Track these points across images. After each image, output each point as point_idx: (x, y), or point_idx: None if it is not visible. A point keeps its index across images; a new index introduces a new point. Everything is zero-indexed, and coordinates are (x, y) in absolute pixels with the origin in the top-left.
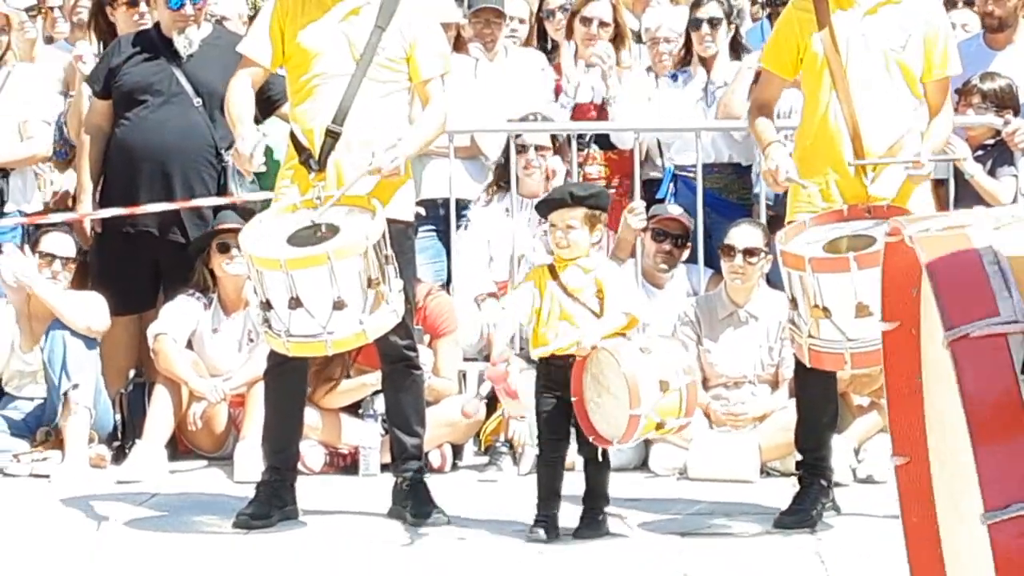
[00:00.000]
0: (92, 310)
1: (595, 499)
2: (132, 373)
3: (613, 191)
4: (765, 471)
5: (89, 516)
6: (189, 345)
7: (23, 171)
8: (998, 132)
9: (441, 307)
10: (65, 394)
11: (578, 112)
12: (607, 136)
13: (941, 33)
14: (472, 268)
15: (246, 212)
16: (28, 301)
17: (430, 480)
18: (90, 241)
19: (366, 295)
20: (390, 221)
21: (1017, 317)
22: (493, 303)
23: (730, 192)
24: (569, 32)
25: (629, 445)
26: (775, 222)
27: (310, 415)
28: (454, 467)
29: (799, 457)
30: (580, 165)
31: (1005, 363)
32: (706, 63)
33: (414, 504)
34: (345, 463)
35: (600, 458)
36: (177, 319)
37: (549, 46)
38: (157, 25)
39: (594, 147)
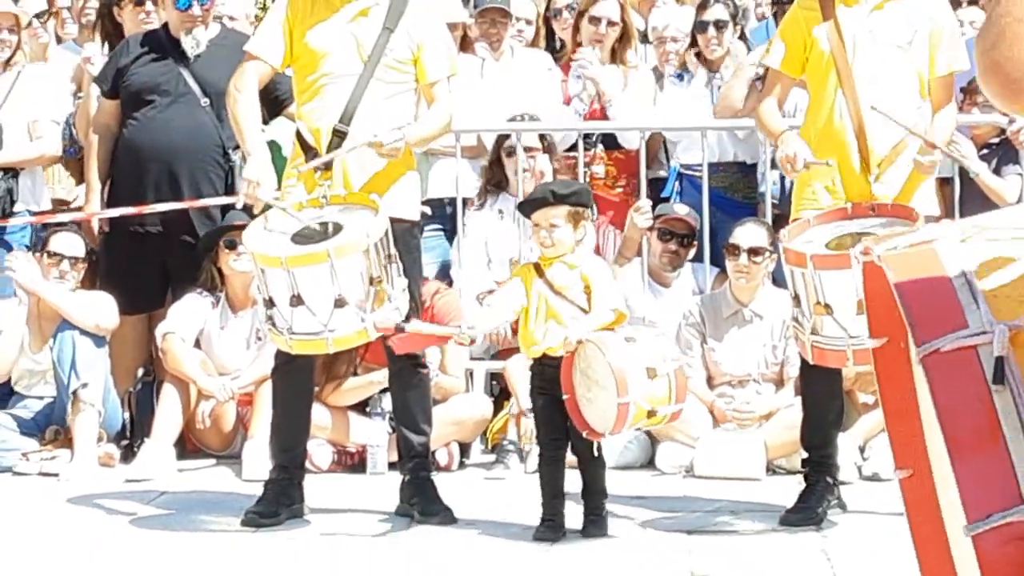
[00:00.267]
0: (100, 309)
1: (594, 496)
2: (141, 372)
3: (620, 191)
4: (771, 469)
5: (98, 514)
6: (197, 344)
7: (33, 171)
8: (1003, 131)
9: (448, 305)
10: (74, 393)
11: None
12: (613, 136)
13: (947, 29)
14: (472, 271)
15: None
16: (38, 302)
17: (437, 478)
18: (98, 241)
19: (368, 293)
20: (396, 220)
21: (985, 328)
22: None
23: (735, 191)
24: (576, 32)
25: (620, 435)
26: (780, 221)
27: (318, 414)
28: (461, 465)
29: (805, 455)
30: (587, 165)
31: (976, 375)
32: (712, 64)
33: (421, 502)
34: (352, 462)
35: (596, 453)
36: (185, 318)
37: (557, 46)
38: (165, 25)
39: (600, 147)
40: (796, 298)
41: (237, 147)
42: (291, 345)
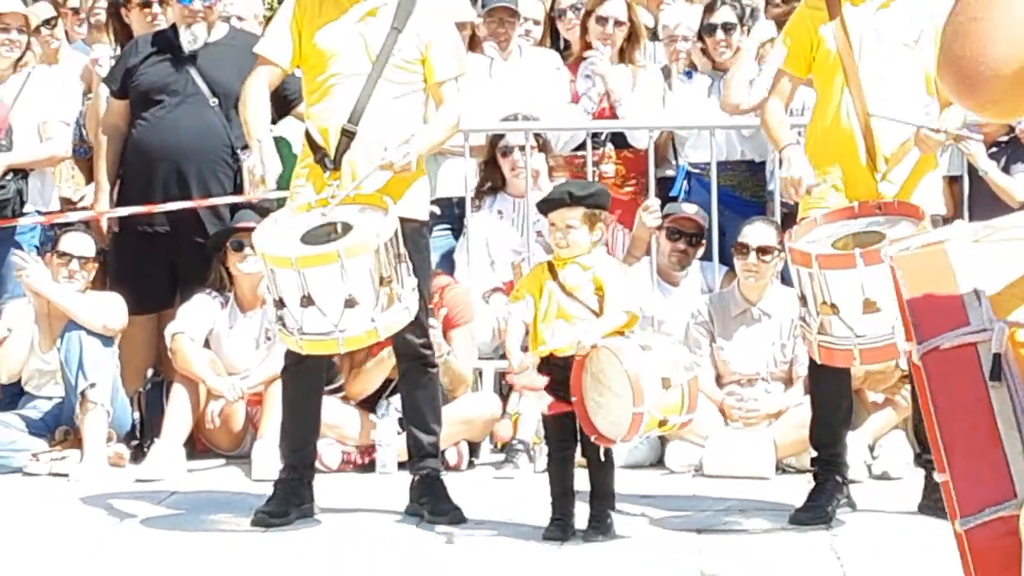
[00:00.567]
0: (108, 310)
1: (601, 499)
2: (150, 372)
3: (629, 190)
4: (780, 468)
5: (107, 514)
6: (207, 344)
7: (42, 172)
8: (1012, 128)
9: (457, 298)
10: (82, 393)
11: (598, 113)
12: (622, 135)
13: None
14: (476, 272)
15: (262, 211)
16: (47, 301)
17: (447, 478)
18: (107, 240)
19: (378, 293)
20: (405, 220)
21: (985, 325)
22: (501, 298)
23: (744, 189)
24: (584, 31)
25: (631, 443)
26: (789, 219)
27: (328, 413)
28: (471, 465)
29: (814, 454)
30: (596, 164)
31: (975, 373)
32: (720, 64)
33: (431, 502)
34: (362, 461)
35: (603, 458)
36: (194, 318)
37: (562, 46)
38: (174, 26)
39: (609, 146)
40: (803, 298)
41: (246, 147)
42: (302, 345)
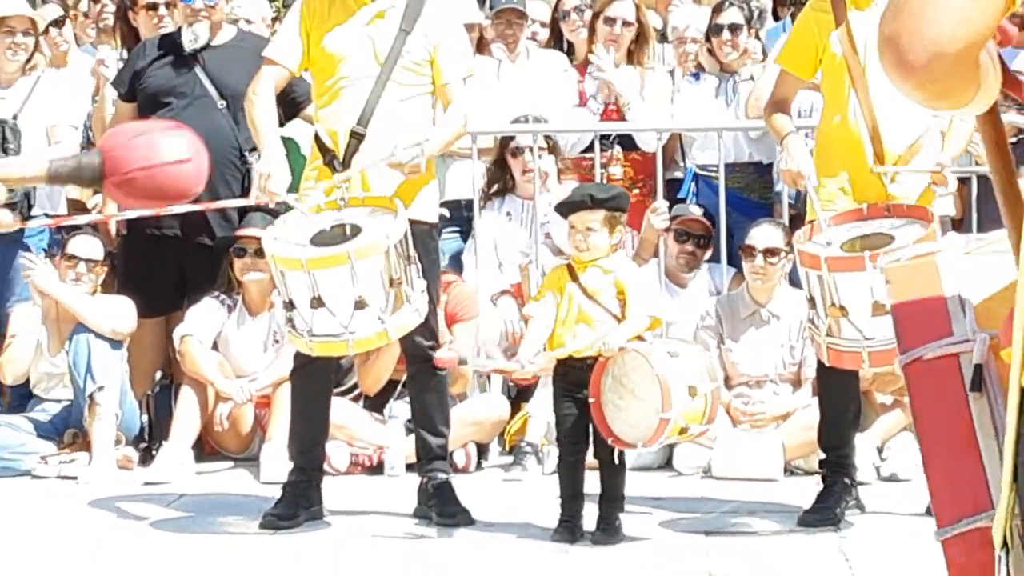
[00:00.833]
0: (117, 313)
1: (610, 502)
2: (158, 375)
3: (637, 192)
4: (789, 470)
5: (116, 517)
6: (215, 347)
7: None
8: (1021, 130)
9: (461, 295)
10: (90, 396)
11: (602, 114)
12: (630, 137)
13: None
14: (484, 273)
15: (271, 213)
16: (56, 304)
17: (455, 480)
18: (115, 243)
19: (388, 295)
20: (414, 222)
21: (968, 336)
22: (509, 300)
23: (751, 191)
24: (592, 32)
25: (653, 449)
26: (797, 221)
27: (336, 414)
28: (479, 467)
29: (822, 455)
30: (603, 166)
31: (956, 383)
32: (727, 65)
33: (439, 504)
34: (370, 463)
35: (616, 460)
36: (203, 321)
37: (565, 47)
38: (181, 28)
39: (617, 148)
40: (811, 300)
41: (254, 149)
42: (311, 347)
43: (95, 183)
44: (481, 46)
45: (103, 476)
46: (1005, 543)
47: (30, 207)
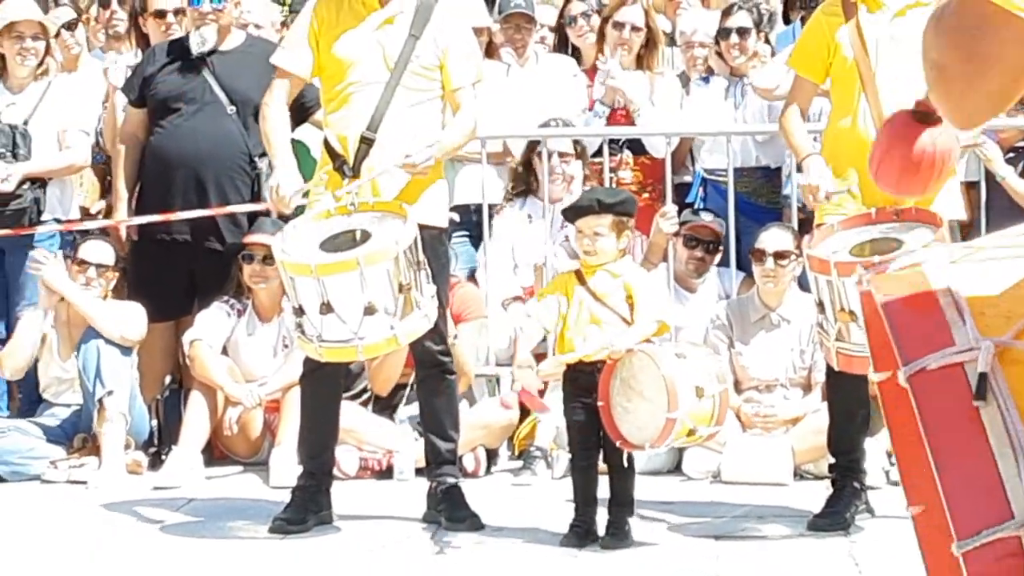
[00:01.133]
0: (128, 319)
1: (620, 507)
2: (168, 380)
3: (646, 196)
4: (798, 474)
5: (126, 522)
6: (224, 352)
7: (62, 181)
8: None
9: (466, 295)
10: (100, 401)
11: (610, 117)
12: (639, 141)
13: None
14: (498, 275)
15: (281, 218)
16: (67, 308)
17: (464, 484)
18: (126, 249)
19: (397, 300)
20: (424, 227)
21: (972, 344)
22: (520, 307)
23: (759, 195)
24: (601, 37)
25: (660, 450)
26: (806, 225)
27: (345, 419)
28: (488, 471)
29: (832, 460)
30: (612, 170)
31: (962, 392)
32: (736, 69)
33: (448, 508)
34: (380, 468)
35: (626, 464)
36: (212, 325)
37: (570, 51)
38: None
39: (626, 152)
40: (820, 304)
41: (263, 154)
42: (321, 353)
43: None
44: (490, 51)
45: (112, 481)
46: None
47: (40, 212)
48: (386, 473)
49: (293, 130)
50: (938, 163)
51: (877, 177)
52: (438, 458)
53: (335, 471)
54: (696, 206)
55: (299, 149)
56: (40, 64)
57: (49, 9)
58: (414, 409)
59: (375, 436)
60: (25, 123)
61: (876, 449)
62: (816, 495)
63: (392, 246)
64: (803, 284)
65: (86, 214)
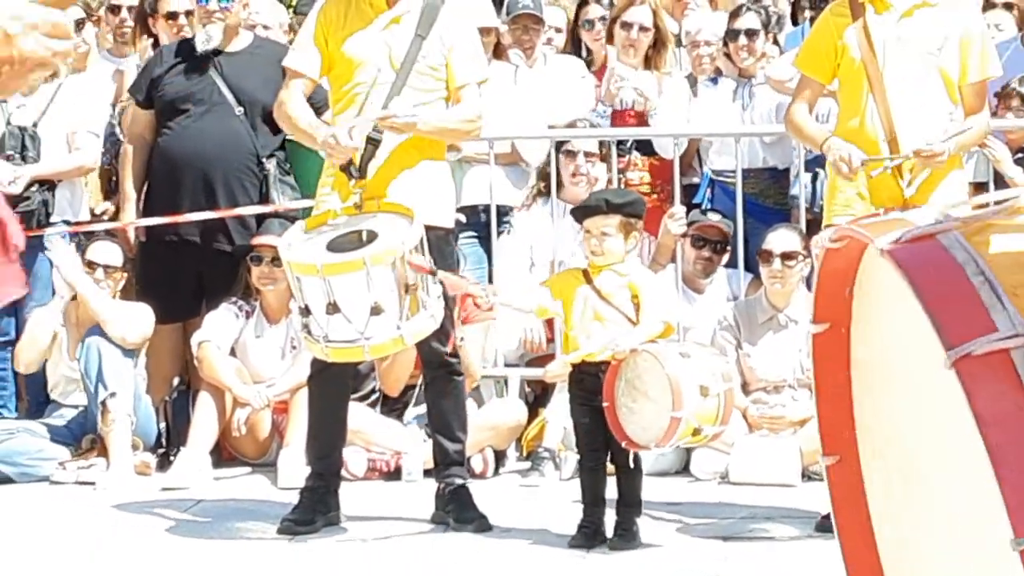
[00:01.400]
0: (132, 320)
1: (628, 508)
2: (176, 381)
3: (654, 196)
4: (806, 475)
5: (134, 523)
6: (232, 353)
7: (72, 182)
8: None
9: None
10: (103, 403)
11: (618, 118)
12: (648, 142)
13: (977, 35)
14: (513, 272)
15: (289, 219)
16: (76, 308)
17: (472, 485)
18: (134, 250)
19: (403, 301)
20: (431, 228)
21: (1017, 330)
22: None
23: (767, 197)
24: (610, 37)
25: (665, 449)
26: (813, 226)
27: (353, 420)
28: (496, 472)
29: None
30: (621, 171)
31: (1013, 380)
32: (744, 71)
33: (457, 510)
34: (388, 469)
35: (632, 464)
36: (220, 327)
37: (584, 54)
38: None
39: (635, 153)
40: None
41: (271, 155)
42: (327, 353)
43: None
44: (498, 52)
45: (121, 482)
46: None
47: (48, 215)
48: (394, 474)
49: None
50: None
51: None
52: (446, 459)
53: (343, 472)
54: (703, 207)
55: (306, 150)
56: None
57: None
58: (422, 410)
59: (383, 437)
60: (35, 125)
61: None
62: (824, 496)
63: (398, 246)
64: (810, 285)
65: (91, 215)
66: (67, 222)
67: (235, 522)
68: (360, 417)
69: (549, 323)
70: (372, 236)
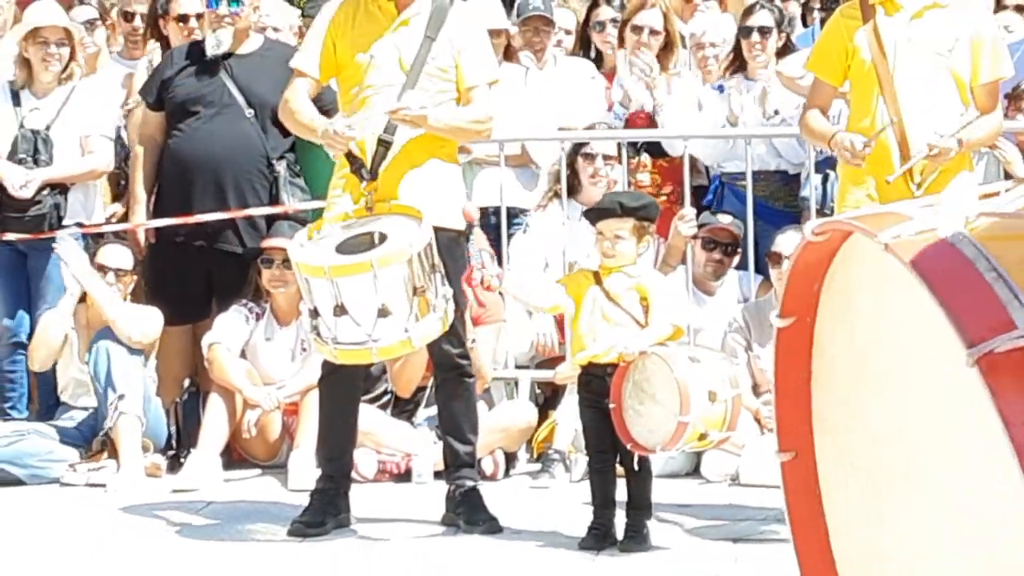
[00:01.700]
0: (140, 320)
1: (638, 510)
2: (187, 383)
3: (664, 199)
4: None
5: (144, 525)
6: (243, 355)
7: (85, 186)
8: None
9: (487, 299)
10: (113, 405)
11: (629, 120)
12: (658, 144)
13: (988, 36)
14: (528, 272)
15: (299, 221)
16: (86, 310)
17: (483, 487)
18: (144, 252)
19: (411, 303)
20: (441, 229)
21: None
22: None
23: (776, 199)
24: (620, 41)
25: (671, 453)
26: None
27: (364, 422)
28: (507, 474)
29: None
30: (631, 173)
31: None
32: (751, 73)
33: (467, 511)
34: (398, 471)
35: (637, 467)
36: (231, 328)
37: (593, 56)
38: None
39: (645, 155)
40: None
41: (281, 157)
42: (336, 355)
43: None
44: (509, 54)
45: (131, 484)
46: None
47: (60, 219)
48: (404, 476)
49: None
50: None
51: None
52: (456, 461)
53: (353, 474)
54: (713, 209)
55: (316, 152)
56: (64, 69)
57: (72, 6)
58: (433, 412)
59: (393, 439)
60: (47, 128)
61: None
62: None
63: (406, 248)
64: None
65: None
66: (80, 225)
67: (245, 524)
68: (370, 419)
69: (560, 325)
70: (384, 238)
